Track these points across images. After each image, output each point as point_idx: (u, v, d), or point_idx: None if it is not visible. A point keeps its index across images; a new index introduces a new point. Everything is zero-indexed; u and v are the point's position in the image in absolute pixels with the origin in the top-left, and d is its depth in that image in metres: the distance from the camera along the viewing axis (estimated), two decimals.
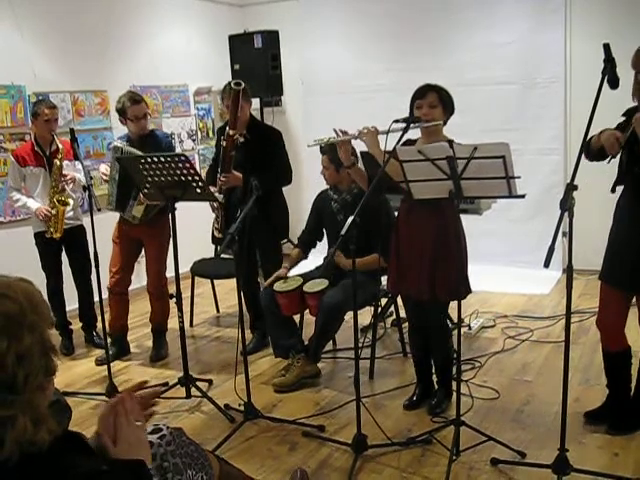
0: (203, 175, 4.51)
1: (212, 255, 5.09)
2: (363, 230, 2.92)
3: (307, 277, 3.95)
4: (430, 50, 6.08)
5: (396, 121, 2.95)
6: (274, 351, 4.04)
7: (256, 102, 5.85)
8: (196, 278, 5.12)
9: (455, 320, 3.44)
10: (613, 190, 2.79)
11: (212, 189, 3.72)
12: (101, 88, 5.58)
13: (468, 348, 4.24)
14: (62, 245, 4.46)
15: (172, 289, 3.69)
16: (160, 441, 1.82)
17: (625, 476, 2.71)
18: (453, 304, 3.16)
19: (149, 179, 3.41)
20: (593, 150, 2.81)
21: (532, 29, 5.71)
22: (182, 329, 3.58)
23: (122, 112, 4.14)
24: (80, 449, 1.44)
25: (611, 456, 2.92)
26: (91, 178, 3.82)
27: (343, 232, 2.68)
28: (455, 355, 3.09)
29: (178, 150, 5.98)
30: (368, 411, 3.18)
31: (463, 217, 3.27)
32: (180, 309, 3.54)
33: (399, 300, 3.97)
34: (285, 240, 4.70)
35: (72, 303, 4.66)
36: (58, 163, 4.25)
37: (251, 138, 4.11)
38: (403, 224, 3.29)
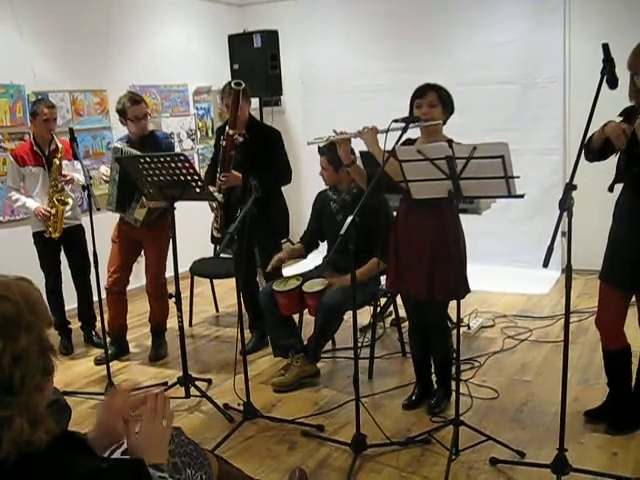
0: (202, 175, 4.51)
1: (211, 255, 5.10)
2: (362, 231, 2.92)
3: (306, 277, 3.96)
4: (430, 49, 6.08)
5: (395, 121, 2.95)
6: (273, 351, 4.04)
7: (255, 102, 5.86)
8: (195, 278, 5.12)
9: (454, 320, 3.44)
10: (611, 189, 2.79)
11: (211, 189, 3.72)
12: (100, 88, 5.58)
13: (467, 348, 4.24)
14: (61, 245, 4.45)
15: (171, 289, 3.69)
16: None
17: (624, 476, 2.71)
18: (452, 304, 3.16)
19: (148, 179, 3.41)
20: (595, 146, 2.80)
21: (532, 29, 5.71)
22: (181, 329, 3.58)
23: (122, 112, 4.14)
24: (79, 449, 1.44)
25: (610, 456, 2.93)
26: (90, 178, 3.82)
27: (342, 232, 2.68)
28: (454, 355, 3.09)
29: (177, 150, 5.98)
30: (367, 411, 3.18)
31: (462, 217, 3.27)
32: (179, 309, 3.54)
33: (398, 300, 3.97)
34: (285, 240, 4.70)
35: (71, 303, 4.66)
36: (57, 162, 4.25)
37: (250, 138, 4.11)
38: (402, 224, 3.29)
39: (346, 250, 2.74)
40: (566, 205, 2.39)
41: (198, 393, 3.63)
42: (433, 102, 3.13)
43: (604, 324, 3.08)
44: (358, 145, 3.32)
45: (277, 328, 3.96)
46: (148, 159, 3.32)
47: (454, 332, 3.03)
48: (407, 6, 6.18)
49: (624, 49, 2.72)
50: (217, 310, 5.39)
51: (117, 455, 1.68)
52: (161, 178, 3.36)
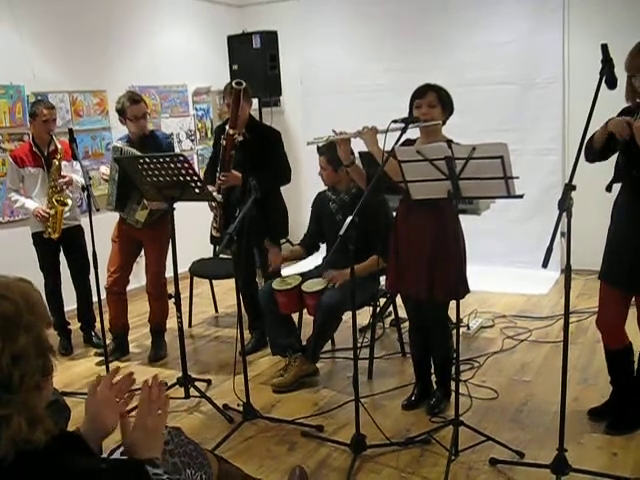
0: (201, 175, 4.51)
1: (211, 255, 5.10)
2: (362, 231, 2.92)
3: (306, 276, 3.96)
4: (430, 49, 6.08)
5: (395, 121, 2.95)
6: (271, 349, 4.04)
7: (255, 102, 5.85)
8: (195, 278, 5.12)
9: (454, 320, 3.44)
10: (609, 189, 2.79)
11: (210, 188, 3.72)
12: (100, 88, 5.58)
13: (467, 348, 4.24)
14: (60, 245, 4.45)
15: (171, 289, 3.70)
16: None
17: (624, 476, 2.71)
18: (452, 304, 3.16)
19: (148, 179, 3.41)
20: (596, 146, 2.80)
21: (531, 29, 5.72)
22: (181, 329, 3.58)
23: (122, 112, 4.14)
24: (79, 449, 1.44)
25: (610, 456, 2.93)
26: (90, 178, 3.82)
27: (342, 232, 2.68)
28: (454, 355, 3.09)
29: (177, 150, 5.97)
30: (367, 411, 3.18)
31: (462, 217, 3.27)
32: (179, 309, 3.54)
33: (398, 300, 3.97)
34: (284, 240, 4.70)
35: (71, 303, 4.66)
36: (57, 163, 4.25)
37: (250, 138, 4.11)
38: (402, 224, 3.29)
39: (346, 250, 2.74)
40: (565, 205, 2.39)
41: (197, 394, 3.63)
42: (432, 102, 3.13)
43: (604, 324, 3.09)
44: (358, 145, 3.32)
45: (276, 327, 3.96)
46: (147, 160, 3.33)
47: (454, 332, 3.03)
48: (407, 6, 6.18)
49: (623, 50, 2.73)
50: (216, 311, 5.39)
51: (117, 455, 1.68)
52: (160, 179, 3.36)
